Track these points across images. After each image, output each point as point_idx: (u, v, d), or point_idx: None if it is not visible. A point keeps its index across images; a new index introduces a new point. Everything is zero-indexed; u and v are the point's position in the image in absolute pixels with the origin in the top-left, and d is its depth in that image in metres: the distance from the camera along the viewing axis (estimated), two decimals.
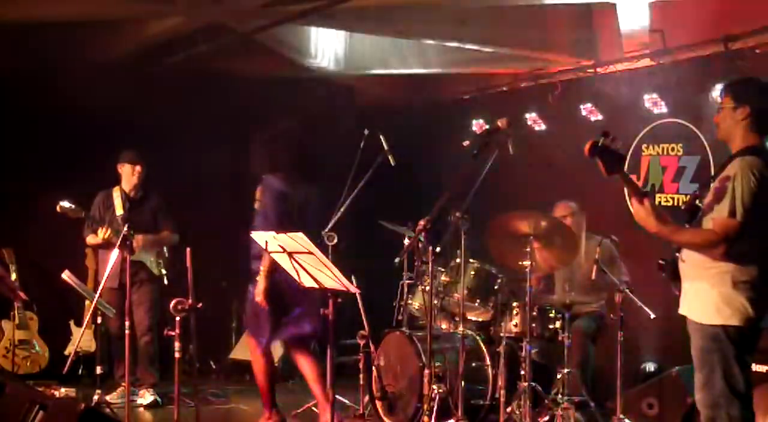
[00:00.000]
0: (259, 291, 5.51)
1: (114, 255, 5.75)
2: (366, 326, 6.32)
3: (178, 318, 4.90)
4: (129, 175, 6.93)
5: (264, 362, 5.71)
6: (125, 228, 5.66)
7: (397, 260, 5.52)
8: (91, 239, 6.85)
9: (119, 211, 6.83)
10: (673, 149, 7.02)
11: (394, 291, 6.58)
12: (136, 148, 7.03)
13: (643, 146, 7.20)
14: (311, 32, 7.72)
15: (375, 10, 6.72)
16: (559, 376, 5.74)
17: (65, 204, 6.50)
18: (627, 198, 3.91)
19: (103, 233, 6.66)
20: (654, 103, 6.93)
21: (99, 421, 3.86)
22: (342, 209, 6.29)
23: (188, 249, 5.01)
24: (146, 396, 6.79)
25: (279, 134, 5.80)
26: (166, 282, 6.94)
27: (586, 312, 6.30)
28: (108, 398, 6.47)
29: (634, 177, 3.93)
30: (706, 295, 3.81)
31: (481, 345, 6.10)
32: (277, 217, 5.48)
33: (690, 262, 3.88)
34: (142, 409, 6.70)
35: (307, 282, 4.82)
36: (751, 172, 3.72)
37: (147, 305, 6.85)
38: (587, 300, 6.24)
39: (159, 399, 6.80)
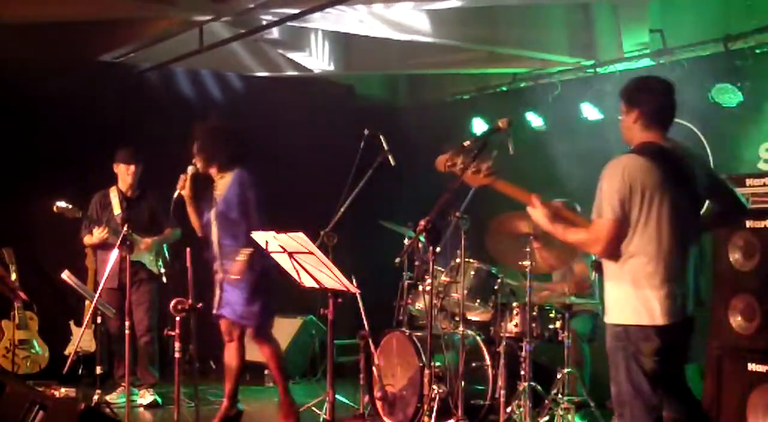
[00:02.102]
0: (239, 270, 5.53)
1: (114, 255, 5.74)
2: (366, 326, 6.32)
3: (178, 318, 4.90)
4: (124, 174, 6.91)
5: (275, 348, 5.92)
6: (124, 228, 5.65)
7: (397, 260, 5.51)
8: (87, 239, 6.83)
9: (117, 210, 6.82)
10: None
11: (394, 291, 6.57)
12: (133, 147, 7.01)
13: None
14: (311, 32, 7.72)
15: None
16: (559, 376, 5.74)
17: (62, 204, 6.50)
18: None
19: (99, 233, 6.65)
20: None
21: (99, 421, 3.87)
22: (342, 209, 6.29)
23: (188, 249, 5.01)
24: (146, 396, 6.79)
25: (224, 128, 5.85)
26: (165, 280, 6.92)
27: (580, 311, 6.30)
28: (108, 398, 6.47)
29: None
30: (609, 294, 3.89)
31: (481, 345, 6.10)
32: (258, 216, 5.57)
33: (605, 263, 3.92)
34: (142, 409, 6.70)
35: (308, 282, 4.82)
36: (621, 170, 3.75)
37: (146, 305, 6.84)
38: (585, 301, 6.23)
39: (159, 399, 6.81)
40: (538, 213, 3.95)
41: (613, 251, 3.79)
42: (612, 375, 3.88)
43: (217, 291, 5.76)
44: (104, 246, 6.69)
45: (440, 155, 4.14)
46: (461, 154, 4.08)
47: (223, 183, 5.75)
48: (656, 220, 3.75)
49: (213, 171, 5.81)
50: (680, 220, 3.79)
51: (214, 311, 5.76)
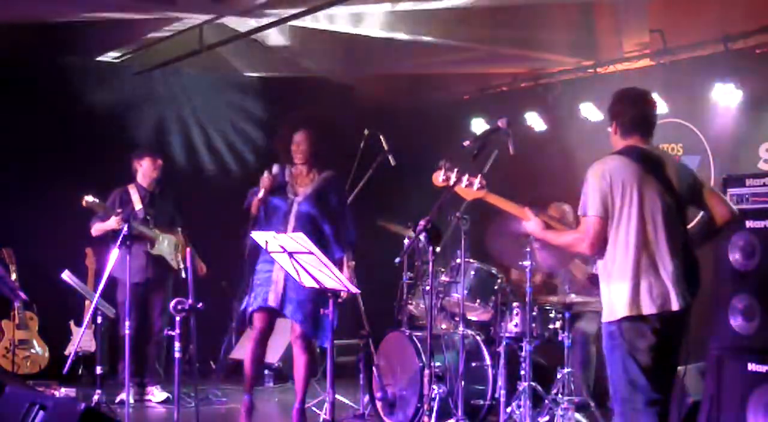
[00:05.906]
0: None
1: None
2: (366, 326, 6.32)
3: (178, 318, 4.91)
4: (150, 169, 6.86)
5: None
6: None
7: (397, 260, 5.51)
8: (98, 227, 6.68)
9: (138, 205, 6.78)
10: (673, 149, 7.02)
11: (394, 291, 6.57)
12: (136, 146, 7.01)
13: None
14: (311, 32, 7.72)
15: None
16: (559, 376, 5.74)
17: (90, 198, 6.43)
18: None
19: (116, 222, 6.52)
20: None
21: (99, 421, 3.87)
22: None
23: (188, 250, 5.01)
24: (157, 394, 6.86)
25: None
26: (183, 275, 6.78)
27: (587, 312, 6.30)
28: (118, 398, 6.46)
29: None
30: (603, 295, 3.99)
31: (481, 345, 6.10)
32: None
33: (598, 267, 4.05)
34: (148, 407, 6.77)
35: (308, 283, 4.82)
36: (602, 170, 3.92)
37: (162, 306, 6.80)
38: (588, 300, 6.23)
39: (170, 395, 6.76)
40: (532, 224, 4.16)
41: (601, 247, 3.92)
42: (609, 374, 3.96)
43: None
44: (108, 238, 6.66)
45: (436, 171, 4.34)
46: (455, 169, 4.28)
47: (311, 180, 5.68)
48: (638, 214, 3.87)
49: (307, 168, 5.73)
50: (663, 214, 3.89)
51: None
